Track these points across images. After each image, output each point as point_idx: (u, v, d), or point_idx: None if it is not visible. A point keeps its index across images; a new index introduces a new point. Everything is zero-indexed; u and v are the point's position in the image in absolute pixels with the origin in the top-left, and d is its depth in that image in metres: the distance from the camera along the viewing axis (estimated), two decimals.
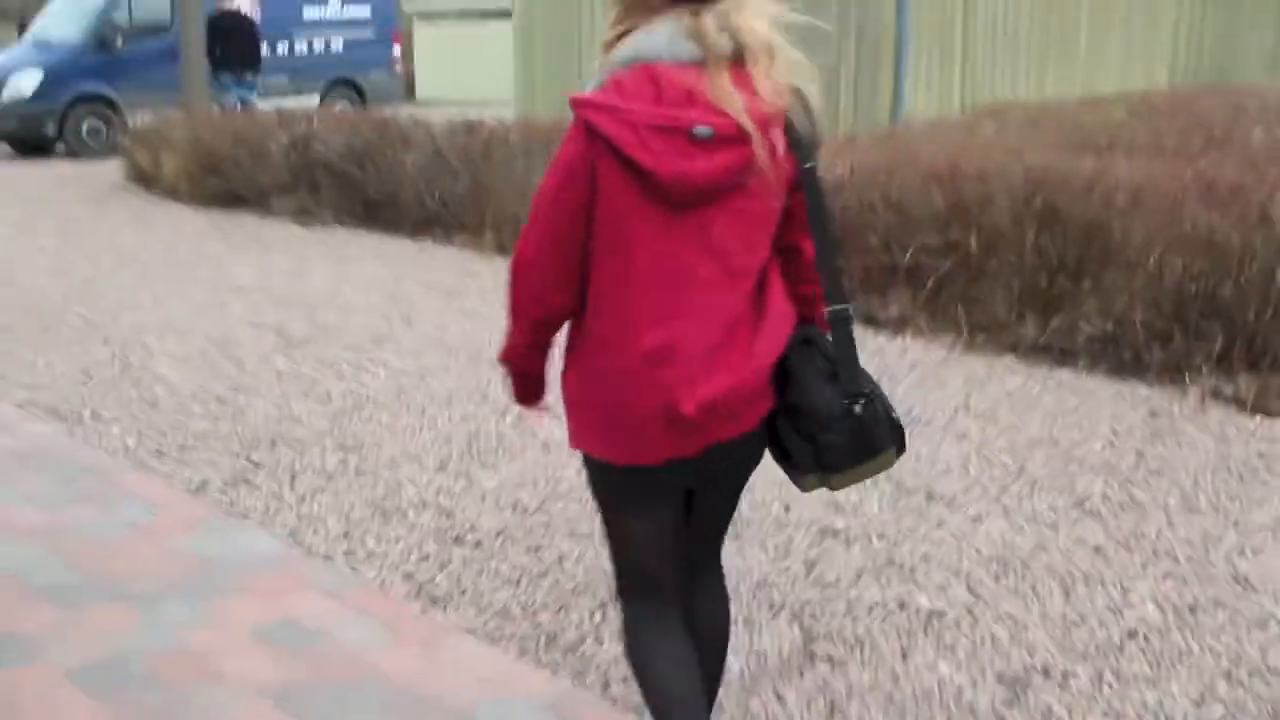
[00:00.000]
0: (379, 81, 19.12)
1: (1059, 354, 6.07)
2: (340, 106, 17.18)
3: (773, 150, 2.08)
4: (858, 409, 2.18)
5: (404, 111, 13.15)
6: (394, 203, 10.04)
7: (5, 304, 7.74)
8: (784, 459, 2.31)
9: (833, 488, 2.29)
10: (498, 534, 4.20)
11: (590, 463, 2.33)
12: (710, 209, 2.09)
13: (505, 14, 17.63)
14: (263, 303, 7.80)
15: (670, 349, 2.11)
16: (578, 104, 2.07)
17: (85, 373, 6.22)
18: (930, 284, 6.57)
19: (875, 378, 2.28)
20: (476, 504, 4.48)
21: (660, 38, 2.08)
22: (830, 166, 6.86)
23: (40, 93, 16.06)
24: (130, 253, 9.47)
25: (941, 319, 6.53)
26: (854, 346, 2.23)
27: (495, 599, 3.71)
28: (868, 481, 2.45)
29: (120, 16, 16.46)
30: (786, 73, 2.11)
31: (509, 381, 2.45)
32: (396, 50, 19.64)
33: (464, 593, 3.76)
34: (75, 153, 16.14)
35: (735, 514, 2.53)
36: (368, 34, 18.77)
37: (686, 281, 2.11)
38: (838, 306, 2.23)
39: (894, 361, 6.14)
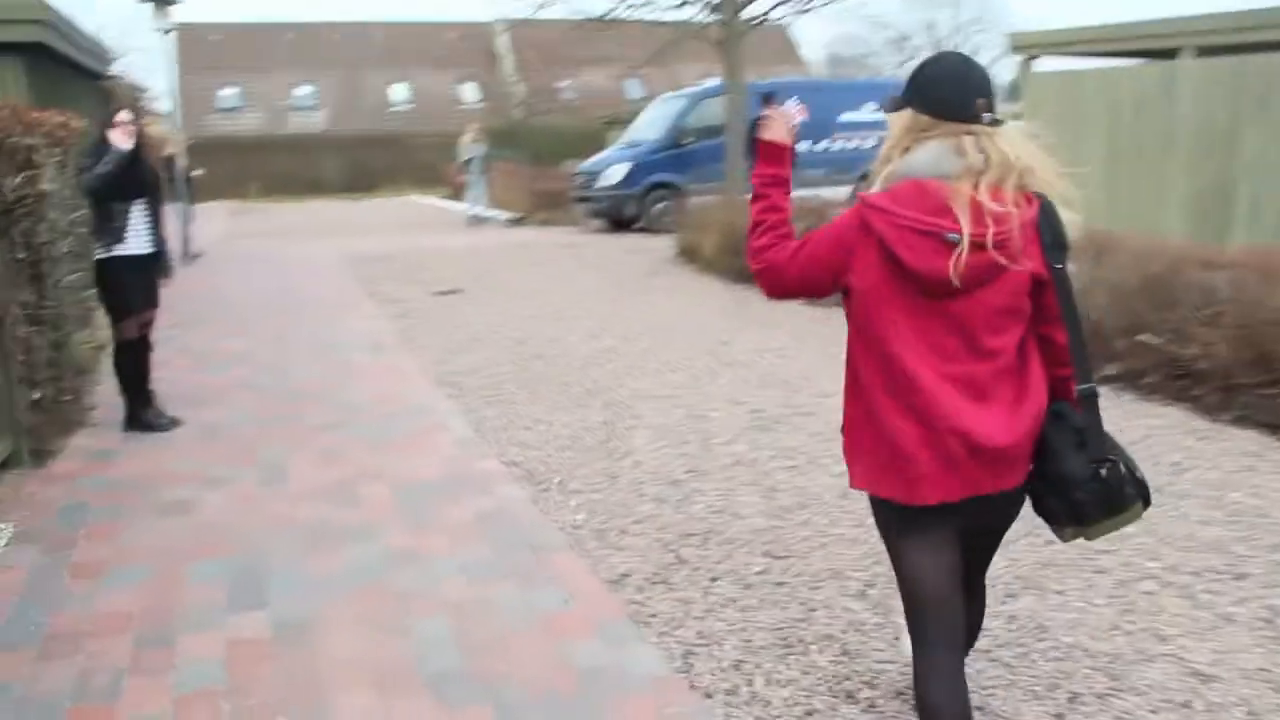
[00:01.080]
0: None
1: None
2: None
3: (1017, 253, 2.35)
4: (1104, 472, 2.47)
5: None
6: None
7: (543, 363, 8.01)
8: (1045, 515, 2.60)
9: (1088, 538, 2.59)
10: (897, 694, 3.25)
11: (875, 501, 2.59)
12: (960, 299, 2.37)
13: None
14: (748, 379, 7.36)
15: (932, 409, 2.38)
16: (864, 202, 2.43)
17: (573, 438, 6.10)
18: None
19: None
20: (886, 648, 3.55)
21: (928, 156, 2.41)
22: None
23: (626, 180, 17.70)
24: (656, 322, 9.54)
25: None
26: (1100, 419, 2.50)
27: None
28: None
29: (690, 121, 18.24)
30: (1039, 187, 2.41)
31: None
32: None
33: None
34: (650, 229, 17.43)
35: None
36: None
37: (940, 355, 2.40)
38: (1084, 386, 2.49)
39: None
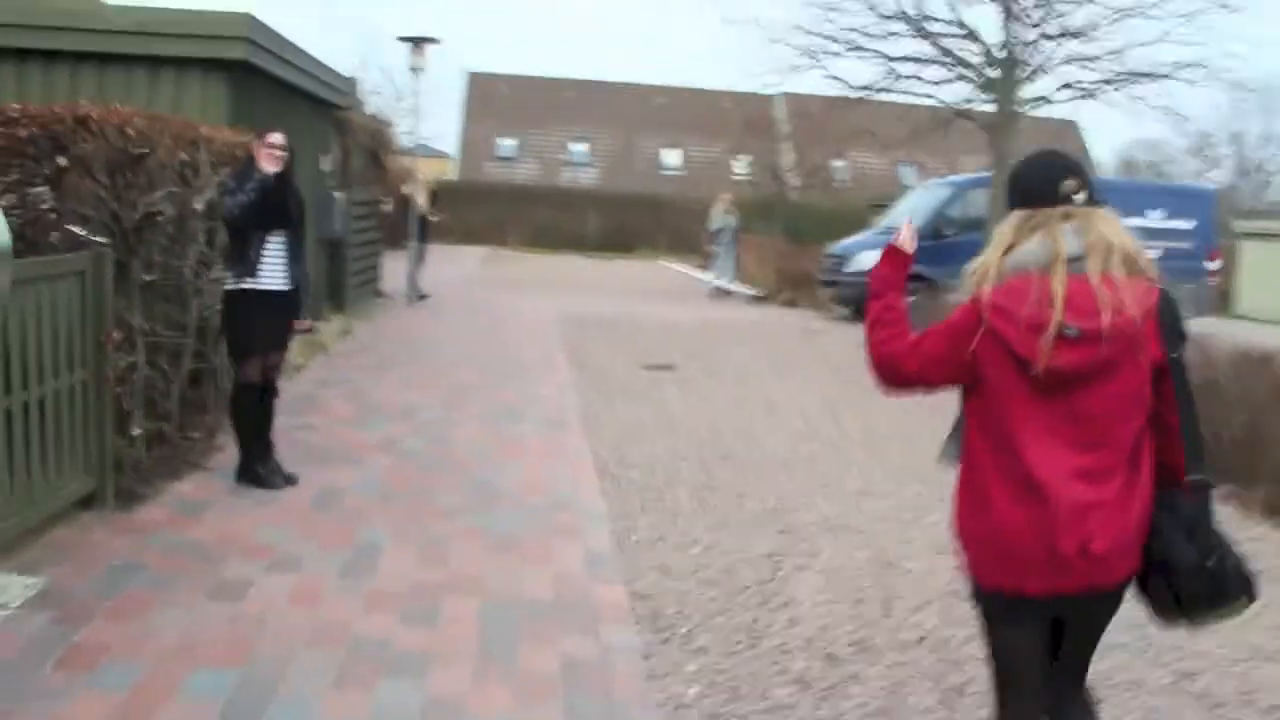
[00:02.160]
0: (1191, 294, 17.49)
1: None
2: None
3: (1135, 342, 2.39)
4: (1210, 564, 2.47)
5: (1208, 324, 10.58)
6: None
7: (728, 465, 6.95)
8: (1149, 599, 2.59)
9: (1192, 625, 2.61)
10: None
11: (977, 589, 2.61)
12: (1079, 390, 2.42)
13: None
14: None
15: (1048, 500, 2.40)
16: (984, 306, 2.47)
17: (727, 570, 5.01)
18: None
19: None
20: None
21: (1031, 247, 2.47)
22: None
23: None
24: (875, 431, 8.23)
25: None
26: (1211, 510, 2.52)
27: None
28: None
29: (953, 212, 16.75)
30: (1145, 273, 2.45)
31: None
32: (1213, 264, 17.61)
33: None
34: None
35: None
36: (1188, 245, 17.17)
37: (1060, 447, 2.42)
38: (1196, 476, 2.50)
39: None
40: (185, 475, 5.86)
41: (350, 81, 11.15)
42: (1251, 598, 2.52)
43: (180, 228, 6.10)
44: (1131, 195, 17.40)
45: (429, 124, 71.50)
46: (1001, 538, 2.46)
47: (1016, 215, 2.53)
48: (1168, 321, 2.44)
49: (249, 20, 7.55)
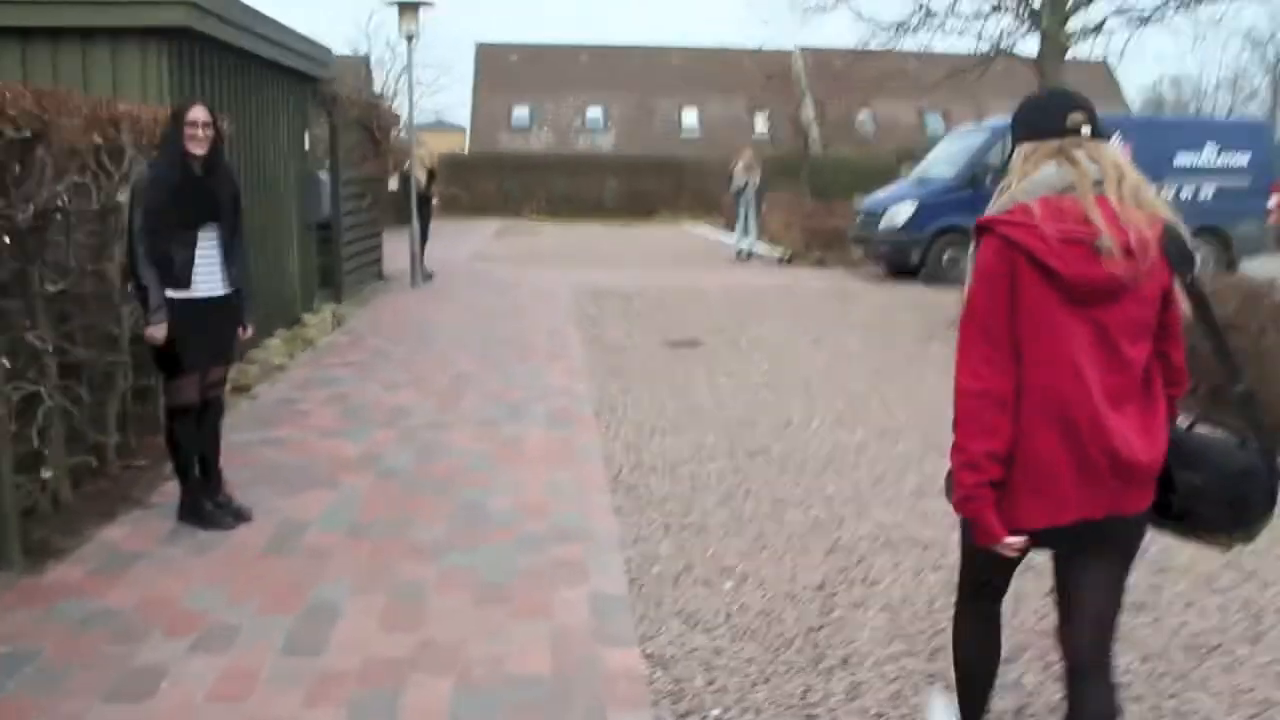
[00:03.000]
0: (1247, 233, 16.02)
1: None
2: (1200, 255, 14.34)
3: (1151, 265, 2.39)
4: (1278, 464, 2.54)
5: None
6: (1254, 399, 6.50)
7: (764, 462, 5.96)
8: (1195, 531, 2.59)
9: (1248, 541, 2.60)
10: None
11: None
12: (1104, 306, 2.40)
13: None
14: None
15: (1084, 421, 2.39)
16: (997, 223, 2.43)
17: (765, 613, 4.05)
18: None
19: None
20: None
21: (1047, 171, 2.46)
22: None
23: (911, 223, 15.16)
24: (927, 409, 7.17)
25: None
26: (1262, 415, 2.56)
27: None
28: None
29: (991, 158, 15.16)
30: (1152, 206, 2.44)
31: (970, 525, 2.57)
32: (1272, 201, 16.21)
33: None
34: (934, 278, 14.84)
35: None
36: (1243, 183, 15.86)
37: (1090, 364, 2.40)
38: (1240, 387, 2.55)
39: None
40: (122, 515, 4.94)
41: (327, 51, 10.14)
42: None
43: (101, 224, 5.15)
44: (1180, 131, 16.18)
45: (442, 98, 70.69)
46: (1035, 470, 2.43)
47: (1025, 146, 2.54)
48: (1175, 249, 2.44)
49: None
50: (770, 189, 20.45)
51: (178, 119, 4.53)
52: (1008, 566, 2.67)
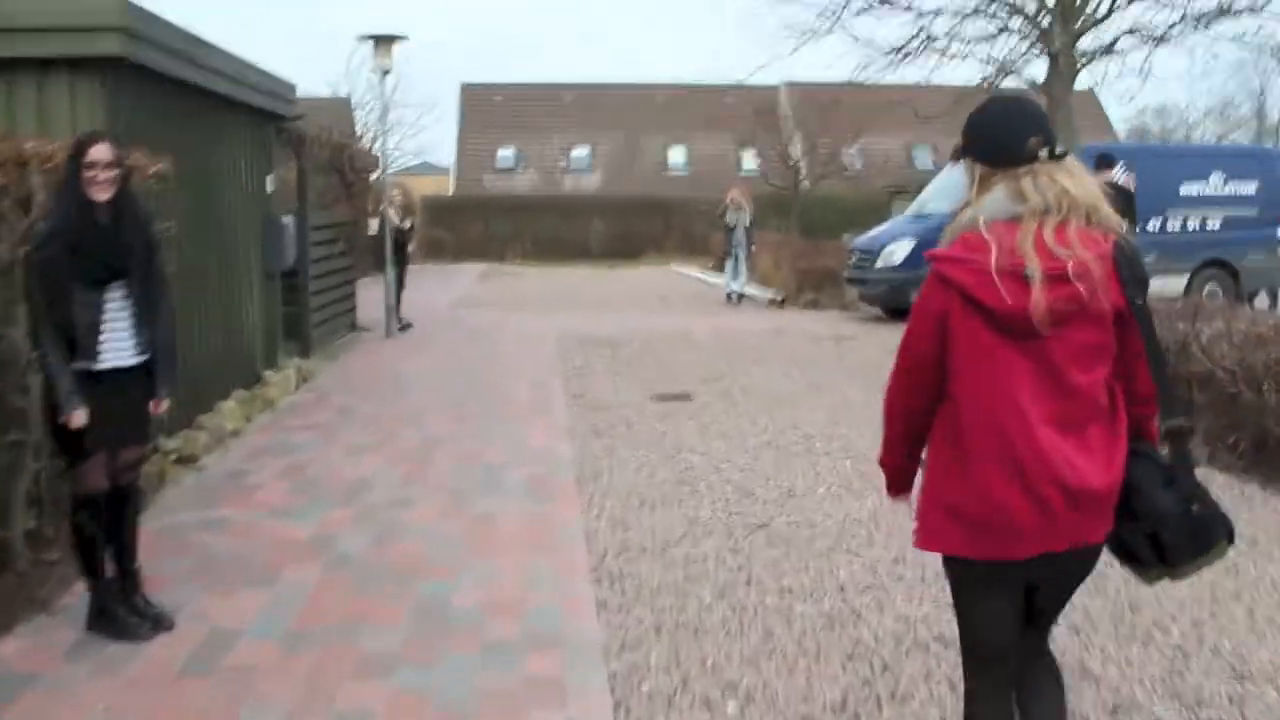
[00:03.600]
0: (1255, 265, 15.50)
1: None
2: (1208, 289, 14.70)
3: (1098, 287, 2.34)
4: (1195, 508, 2.43)
5: None
6: None
7: (766, 540, 5.27)
8: (1128, 559, 2.55)
9: (1174, 579, 2.57)
10: None
11: (950, 560, 2.57)
12: (1047, 338, 2.36)
13: None
14: None
15: (1030, 454, 2.37)
16: (933, 258, 2.45)
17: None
18: None
19: None
20: None
21: (992, 201, 2.44)
22: None
23: (909, 261, 14.45)
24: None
25: None
26: (1190, 456, 2.49)
27: None
28: None
29: None
30: (1104, 224, 2.41)
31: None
32: None
33: None
34: None
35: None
36: (1250, 212, 15.38)
37: (1033, 396, 2.38)
38: (1173, 421, 2.48)
39: None
40: (22, 623, 4.23)
41: (290, 88, 9.51)
42: (1231, 539, 2.49)
43: (4, 282, 4.48)
44: (1187, 160, 15.68)
45: (427, 138, 70.51)
46: (983, 503, 2.42)
47: (978, 168, 2.50)
48: (1126, 269, 2.40)
49: (123, 6, 5.90)
50: (759, 227, 19.91)
51: (75, 159, 3.87)
52: (1004, 616, 2.56)
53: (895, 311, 15.01)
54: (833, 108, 27.13)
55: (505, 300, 19.06)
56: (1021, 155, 2.40)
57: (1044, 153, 2.40)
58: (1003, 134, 2.46)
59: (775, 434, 7.93)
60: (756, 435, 7.90)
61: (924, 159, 38.58)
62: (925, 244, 15.51)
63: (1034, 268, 2.30)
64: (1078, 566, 2.54)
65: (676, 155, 41.53)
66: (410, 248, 14.78)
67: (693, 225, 33.97)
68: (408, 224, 13.90)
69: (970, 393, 2.42)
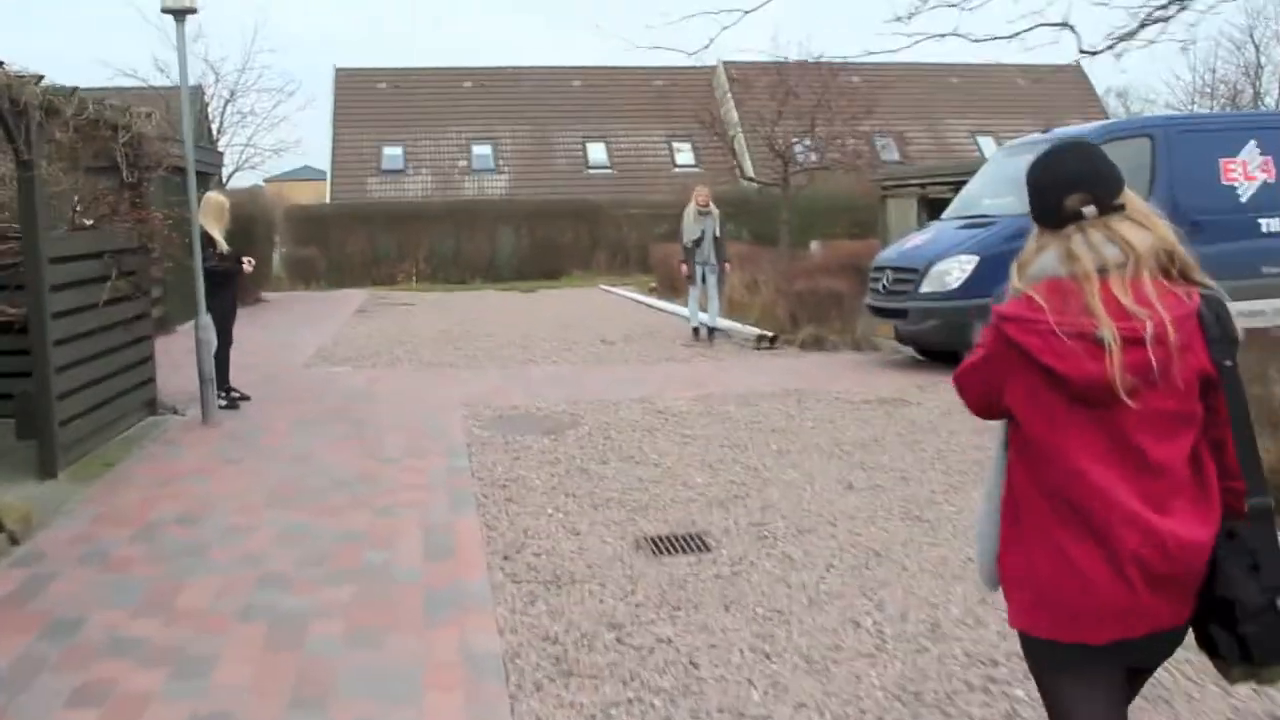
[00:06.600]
0: None
1: None
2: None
3: (1176, 349, 2.29)
4: (1279, 602, 2.32)
5: None
6: None
7: None
8: (1211, 651, 2.45)
9: (1260, 682, 2.48)
10: None
11: (1031, 641, 2.51)
12: (1121, 407, 2.30)
13: None
14: None
15: (1109, 532, 2.31)
16: (998, 317, 2.43)
17: None
18: None
19: None
20: None
21: (1049, 259, 2.42)
22: None
23: (971, 284, 10.91)
24: None
25: None
26: (1276, 539, 2.39)
27: None
28: None
29: None
30: (1186, 274, 2.38)
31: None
32: None
33: None
34: None
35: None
36: None
37: (1111, 471, 2.33)
38: (1257, 500, 2.40)
39: None
40: None
41: None
42: None
43: None
44: (1220, 132, 12.50)
45: (302, 135, 65.84)
46: (1059, 581, 2.38)
47: (1034, 227, 2.53)
48: (1213, 327, 2.35)
49: None
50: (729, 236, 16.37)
51: None
52: (1096, 703, 2.48)
53: (943, 352, 11.56)
54: (784, 92, 23.77)
55: (389, 346, 15.14)
56: (1059, 217, 2.41)
57: (1090, 210, 2.38)
58: (1039, 195, 2.49)
59: (881, 621, 4.40)
60: (862, 636, 4.35)
61: (890, 153, 35.72)
62: (991, 260, 12.23)
63: (1109, 331, 2.27)
64: (1164, 647, 2.49)
65: (597, 152, 38.04)
66: (243, 274, 10.82)
67: (625, 235, 30.53)
68: (226, 247, 9.99)
69: (1042, 469, 2.40)
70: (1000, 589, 2.58)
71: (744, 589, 5.22)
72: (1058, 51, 25.95)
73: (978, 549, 2.64)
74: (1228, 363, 2.38)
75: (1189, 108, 41.37)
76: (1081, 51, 9.74)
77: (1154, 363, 2.27)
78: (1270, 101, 39.91)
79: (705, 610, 4.96)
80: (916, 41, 11.37)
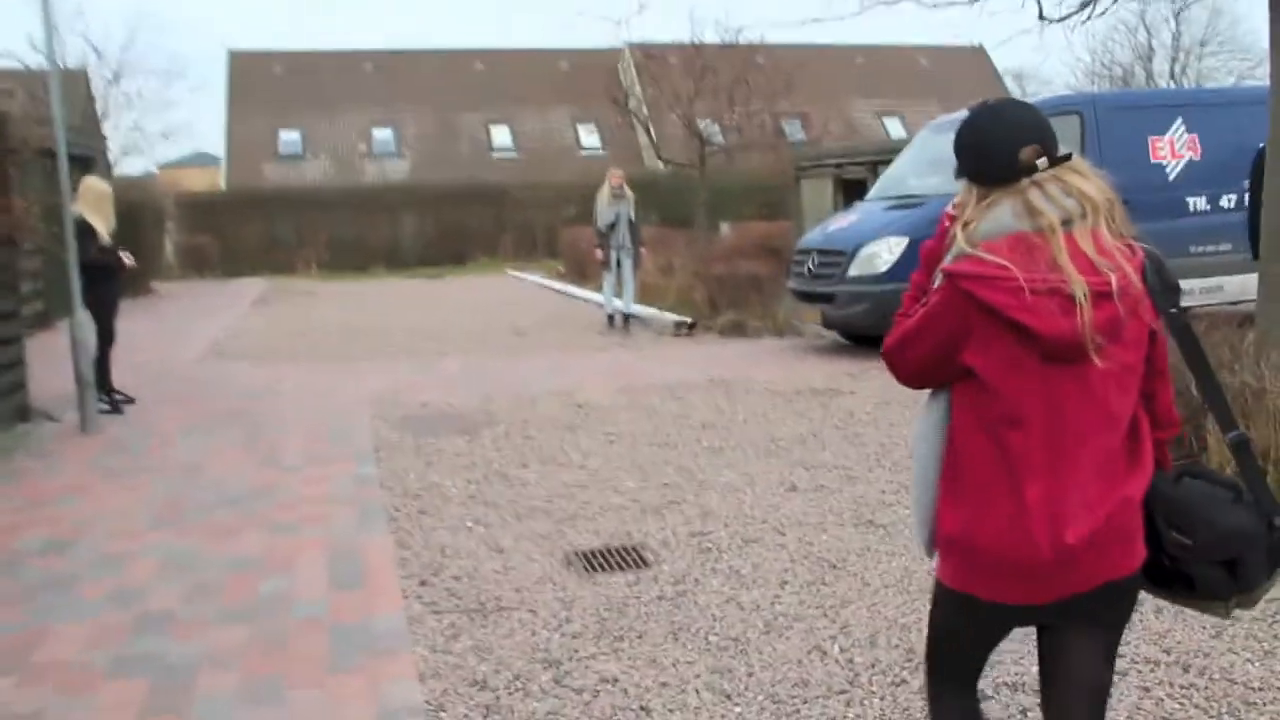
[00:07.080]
0: None
1: None
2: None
3: (1135, 303, 2.28)
4: (1277, 521, 2.35)
5: None
6: None
7: None
8: (1190, 595, 2.44)
9: (1246, 607, 2.47)
10: None
11: (948, 590, 2.48)
12: (1088, 361, 2.25)
13: None
14: None
15: (1054, 494, 2.28)
16: (955, 275, 2.29)
17: None
18: None
19: None
20: None
21: (1005, 214, 2.30)
22: None
23: (900, 267, 10.47)
24: None
25: None
26: (1259, 468, 2.46)
27: None
28: None
29: None
30: (1124, 228, 2.33)
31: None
32: None
33: None
34: None
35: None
36: None
37: (1069, 429, 2.29)
38: (1235, 434, 2.43)
39: None
40: None
41: None
42: None
43: None
44: (1148, 110, 12.30)
45: (192, 119, 63.40)
46: (996, 538, 2.33)
47: (974, 191, 2.39)
48: (1153, 278, 2.35)
49: None
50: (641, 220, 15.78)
51: None
52: (989, 642, 2.56)
53: (868, 337, 11.10)
54: (688, 74, 23.23)
55: (289, 339, 14.26)
56: (1015, 171, 2.32)
57: (1042, 161, 2.31)
58: (986, 150, 2.38)
59: (865, 651, 3.85)
60: (831, 667, 3.79)
61: (795, 131, 35.38)
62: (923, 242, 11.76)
63: (1080, 286, 2.21)
64: (1109, 606, 2.42)
65: (501, 135, 37.19)
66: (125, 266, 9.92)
67: (530, 219, 29.81)
68: (108, 238, 9.13)
69: (999, 429, 2.32)
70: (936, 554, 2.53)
71: (691, 612, 4.65)
72: (1021, 19, 25.75)
73: (914, 516, 2.53)
74: (1173, 310, 2.38)
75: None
76: (1040, 18, 9.30)
77: (1122, 315, 2.25)
78: (1162, 84, 40.52)
79: (651, 640, 4.38)
80: (868, 7, 10.83)
